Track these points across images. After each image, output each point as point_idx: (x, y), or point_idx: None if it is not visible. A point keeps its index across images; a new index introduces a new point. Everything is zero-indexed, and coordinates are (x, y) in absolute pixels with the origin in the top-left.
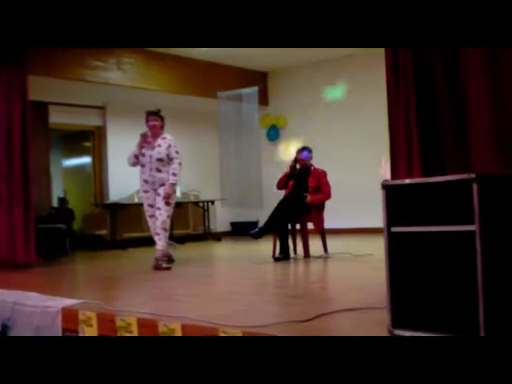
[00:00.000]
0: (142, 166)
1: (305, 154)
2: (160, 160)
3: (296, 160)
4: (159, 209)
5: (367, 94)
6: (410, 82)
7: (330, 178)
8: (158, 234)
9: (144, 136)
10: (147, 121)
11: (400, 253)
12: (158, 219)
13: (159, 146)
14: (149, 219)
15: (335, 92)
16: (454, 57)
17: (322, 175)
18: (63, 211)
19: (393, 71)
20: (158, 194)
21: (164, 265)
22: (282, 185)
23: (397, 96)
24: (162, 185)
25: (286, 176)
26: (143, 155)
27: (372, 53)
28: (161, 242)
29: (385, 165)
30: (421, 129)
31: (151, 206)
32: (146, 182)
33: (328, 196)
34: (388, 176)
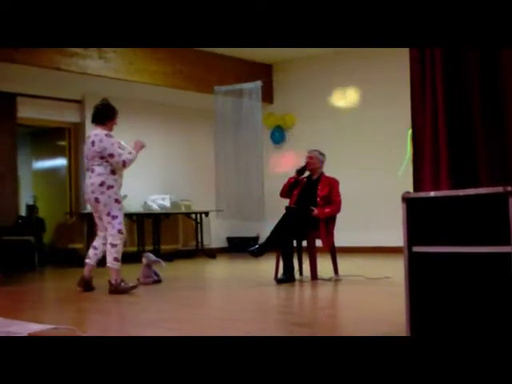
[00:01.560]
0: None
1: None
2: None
3: (306, 165)
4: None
5: (387, 90)
6: (439, 80)
7: (344, 188)
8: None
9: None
10: (115, 118)
11: (422, 276)
12: None
13: None
14: (124, 229)
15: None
16: (493, 56)
17: (333, 184)
18: (32, 221)
19: (419, 67)
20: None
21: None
22: (286, 192)
23: (422, 94)
24: None
25: (292, 181)
26: None
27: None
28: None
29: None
30: (450, 133)
31: None
32: (120, 186)
33: (338, 208)
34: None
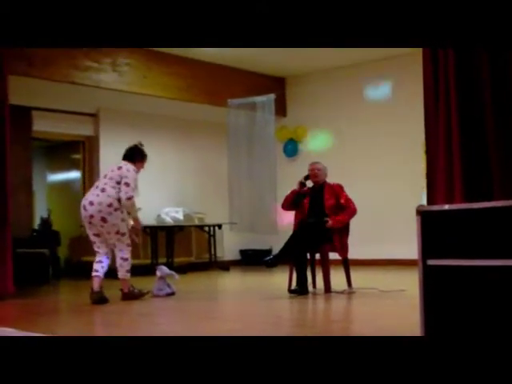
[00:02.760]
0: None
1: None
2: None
3: (308, 177)
4: None
5: (400, 103)
6: (452, 89)
7: (357, 200)
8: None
9: None
10: (144, 161)
11: (437, 289)
12: None
13: None
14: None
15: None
16: (505, 60)
17: (338, 190)
18: (46, 234)
19: (432, 77)
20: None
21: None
22: (288, 204)
23: (436, 105)
24: None
25: (294, 194)
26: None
27: (407, 56)
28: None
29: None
30: (464, 144)
31: None
32: None
33: (354, 211)
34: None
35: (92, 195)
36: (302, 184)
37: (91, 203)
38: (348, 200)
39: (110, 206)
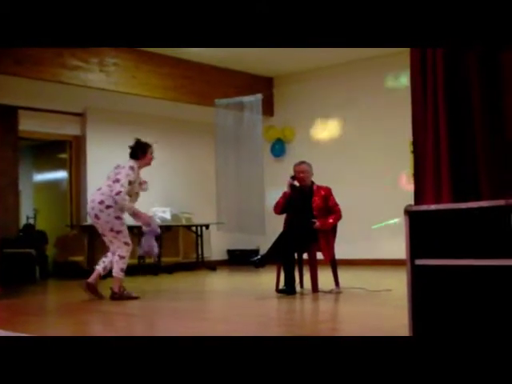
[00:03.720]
0: (132, 195)
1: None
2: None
3: (294, 177)
4: None
5: (387, 102)
6: (440, 89)
7: (343, 201)
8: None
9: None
10: (147, 153)
11: (425, 289)
12: None
13: None
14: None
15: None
16: (493, 60)
17: (327, 193)
18: (32, 234)
19: (420, 77)
20: None
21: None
22: (280, 208)
23: (424, 105)
24: None
25: (286, 197)
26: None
27: (393, 56)
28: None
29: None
30: (452, 144)
31: None
32: None
33: (340, 216)
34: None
35: (92, 194)
36: (293, 186)
37: (91, 201)
38: (335, 205)
39: (101, 203)
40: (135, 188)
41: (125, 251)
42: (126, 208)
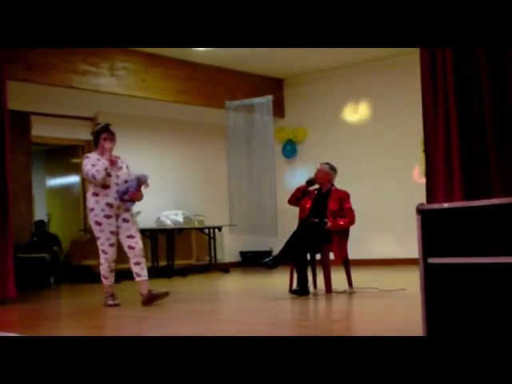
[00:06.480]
0: (106, 187)
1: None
2: (126, 182)
3: (314, 178)
4: (133, 237)
5: (398, 102)
6: (451, 88)
7: (356, 200)
8: (139, 264)
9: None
10: (106, 139)
11: (438, 288)
12: (136, 247)
13: (121, 166)
14: (110, 248)
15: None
16: (502, 58)
17: (344, 198)
18: (46, 238)
19: (430, 75)
20: (125, 220)
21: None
22: (294, 200)
23: (434, 104)
24: (127, 210)
25: (301, 190)
26: (109, 175)
27: (405, 55)
28: (145, 271)
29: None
30: (463, 143)
31: (113, 233)
32: (109, 205)
33: (352, 222)
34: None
35: None
36: (308, 183)
37: None
38: (349, 210)
39: (86, 207)
40: (111, 180)
41: (101, 258)
42: (97, 177)
